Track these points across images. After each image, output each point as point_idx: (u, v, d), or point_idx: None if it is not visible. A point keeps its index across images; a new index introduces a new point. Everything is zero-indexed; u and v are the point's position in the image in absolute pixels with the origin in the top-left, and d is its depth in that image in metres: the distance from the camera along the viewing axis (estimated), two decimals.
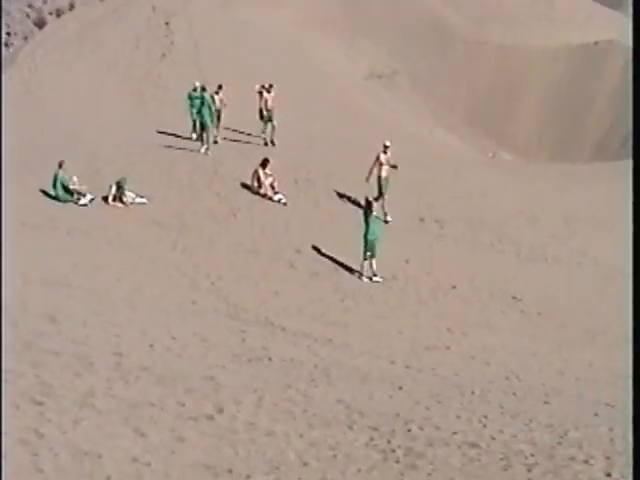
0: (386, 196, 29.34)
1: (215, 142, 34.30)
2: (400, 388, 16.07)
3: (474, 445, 12.97)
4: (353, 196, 30.41)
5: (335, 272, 25.38)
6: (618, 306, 26.06)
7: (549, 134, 58.34)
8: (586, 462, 12.75)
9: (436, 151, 45.94)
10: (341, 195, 31.00)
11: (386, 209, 29.14)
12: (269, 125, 35.30)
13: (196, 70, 46.66)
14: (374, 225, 25.30)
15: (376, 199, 27.65)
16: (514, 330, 23.47)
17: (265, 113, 35.08)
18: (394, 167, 29.19)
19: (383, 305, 23.90)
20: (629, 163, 46.54)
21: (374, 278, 25.22)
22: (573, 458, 12.87)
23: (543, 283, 27.34)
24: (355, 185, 30.13)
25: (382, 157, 29.20)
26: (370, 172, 29.07)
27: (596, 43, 61.77)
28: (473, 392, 16.54)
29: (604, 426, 15.14)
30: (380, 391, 15.75)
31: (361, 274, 25.29)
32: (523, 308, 25.13)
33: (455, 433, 13.48)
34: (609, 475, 12.29)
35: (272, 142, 35.24)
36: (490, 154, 54.54)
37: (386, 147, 29.27)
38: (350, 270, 25.48)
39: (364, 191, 27.96)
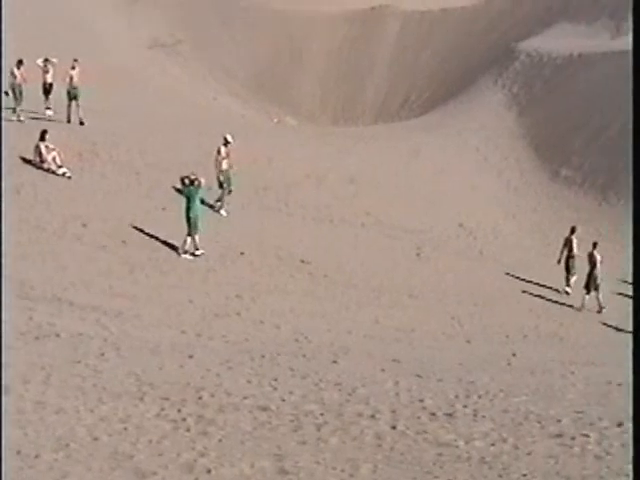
0: (232, 187, 28.98)
1: (19, 120, 32.74)
2: (191, 357, 16.08)
3: (264, 408, 13.15)
4: (143, 166, 29.97)
5: (123, 245, 25.05)
6: (401, 264, 27.03)
7: (332, 98, 59.22)
8: (373, 417, 13.16)
9: (220, 118, 45.87)
10: (130, 167, 30.54)
11: (225, 203, 28.84)
12: (73, 103, 34.03)
13: None
14: (195, 203, 25.06)
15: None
16: (303, 293, 23.87)
17: (71, 90, 33.80)
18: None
19: (173, 275, 23.79)
20: (408, 124, 48.13)
21: (196, 252, 24.99)
22: (360, 414, 13.24)
23: (330, 245, 27.90)
24: (146, 155, 29.76)
25: (222, 150, 28.92)
26: (216, 165, 28.74)
27: (373, 8, 63.01)
28: (263, 356, 16.74)
29: (390, 381, 15.68)
30: (171, 361, 15.71)
31: (185, 250, 24.97)
32: (311, 270, 25.57)
33: (246, 398, 13.62)
34: (394, 428, 12.73)
35: (81, 122, 33.96)
36: (275, 120, 54.94)
37: (227, 141, 28.99)
38: (141, 241, 25.18)
39: (152, 159, 27.64)
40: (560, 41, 49.23)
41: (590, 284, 28.16)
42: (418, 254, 26.28)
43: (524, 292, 28.23)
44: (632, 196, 20.66)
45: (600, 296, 27.73)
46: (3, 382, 12.84)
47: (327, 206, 30.70)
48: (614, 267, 28.39)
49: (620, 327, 25.69)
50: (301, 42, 62.55)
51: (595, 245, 28.35)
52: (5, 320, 15.93)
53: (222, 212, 28.62)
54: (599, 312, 27.58)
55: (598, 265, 27.95)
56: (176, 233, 25.25)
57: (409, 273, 25.52)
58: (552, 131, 42.30)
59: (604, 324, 26.56)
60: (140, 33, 61.22)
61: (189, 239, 24.96)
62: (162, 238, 25.14)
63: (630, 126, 40.08)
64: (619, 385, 16.98)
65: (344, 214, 30.49)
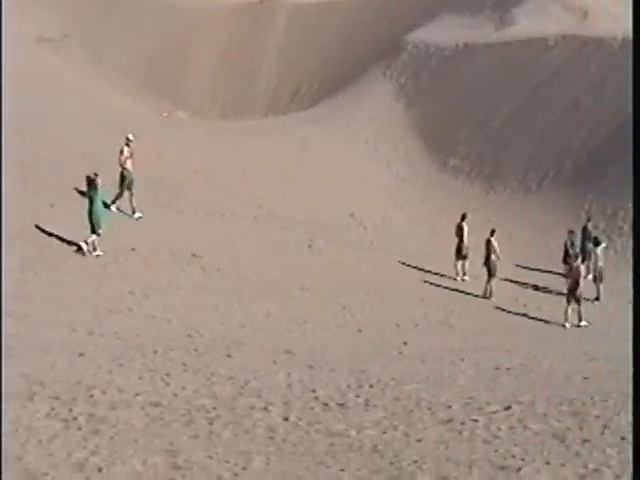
0: (134, 190, 28.35)
1: None
2: (82, 355, 15.93)
3: (157, 404, 13.12)
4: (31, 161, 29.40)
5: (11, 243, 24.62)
6: (293, 256, 27.17)
7: (222, 92, 58.93)
8: (265, 409, 13.25)
9: (110, 114, 45.34)
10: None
11: (134, 204, 28.21)
12: None
13: None
14: (96, 204, 24.71)
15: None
16: (195, 287, 23.83)
17: None
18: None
19: (64, 273, 23.48)
20: (298, 117, 48.26)
21: (94, 253, 24.65)
22: (253, 407, 13.31)
23: (222, 239, 27.88)
24: (32, 149, 29.21)
25: (125, 150, 28.43)
26: (120, 165, 28.20)
27: (262, 1, 62.98)
28: (155, 352, 16.68)
29: (282, 373, 15.81)
30: (62, 360, 15.55)
31: (92, 250, 24.59)
32: (203, 265, 25.54)
33: (138, 394, 13.56)
34: (286, 419, 12.84)
35: None
36: (165, 114, 54.49)
37: (129, 140, 28.52)
38: (30, 239, 24.71)
39: (40, 154, 27.13)
40: (446, 32, 49.86)
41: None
42: (310, 246, 26.46)
43: (414, 281, 28.62)
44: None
45: (493, 283, 28.29)
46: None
47: (218, 200, 30.65)
48: (503, 253, 28.93)
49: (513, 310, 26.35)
50: (190, 35, 62.07)
51: (493, 232, 28.88)
52: None
53: (137, 215, 28.16)
54: (487, 298, 28.10)
55: (496, 251, 28.46)
56: (66, 230, 24.93)
57: (301, 265, 25.68)
58: (439, 121, 42.89)
59: (497, 308, 27.12)
60: (27, 28, 60.04)
61: (94, 237, 24.64)
62: (51, 235, 24.76)
63: (510, 115, 41.04)
64: (508, 369, 17.41)
65: (236, 208, 30.49)
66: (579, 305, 25.92)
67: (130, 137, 28.58)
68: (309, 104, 51.78)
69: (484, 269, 28.38)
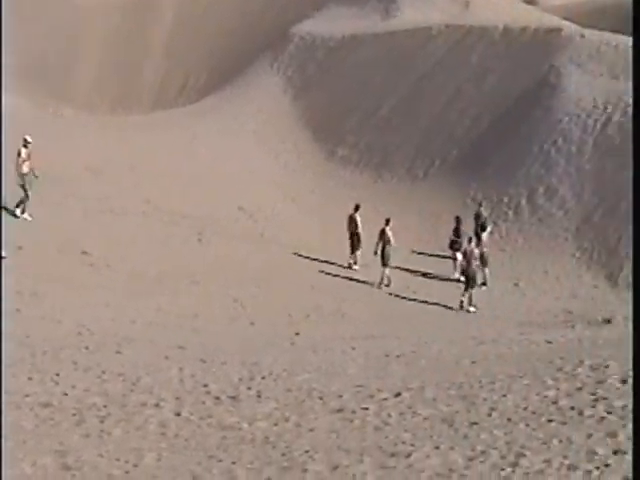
0: (29, 192, 27.58)
1: None
2: None
3: (46, 404, 13.01)
4: None
5: None
6: (183, 251, 27.09)
7: (110, 87, 58.32)
8: (157, 405, 13.25)
9: None
10: None
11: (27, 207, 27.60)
12: None
13: None
14: None
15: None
16: (85, 285, 23.58)
17: None
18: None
19: None
20: (186, 110, 48.04)
21: None
22: (144, 403, 13.30)
23: (112, 235, 27.61)
24: None
25: (23, 152, 27.69)
26: (17, 167, 27.46)
27: None
28: (45, 352, 16.48)
29: (174, 368, 15.80)
30: None
31: None
32: (93, 262, 25.30)
33: (27, 395, 13.41)
34: (178, 414, 12.86)
35: None
36: (51, 110, 53.64)
37: (27, 142, 27.75)
38: None
39: None
40: (332, 23, 50.08)
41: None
42: (199, 240, 26.42)
43: (306, 272, 28.77)
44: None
45: (387, 271, 28.63)
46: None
47: (107, 197, 30.32)
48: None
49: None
50: (76, 30, 61.23)
51: (388, 221, 29.21)
52: None
53: (25, 215, 27.55)
54: (387, 286, 28.45)
55: (391, 240, 28.80)
56: None
57: (191, 259, 25.62)
58: (327, 112, 43.09)
59: (389, 295, 27.45)
60: None
61: None
62: None
63: (397, 105, 41.53)
64: (398, 357, 17.64)
65: (125, 204, 30.21)
66: (472, 289, 26.51)
67: (28, 139, 27.79)
68: (197, 97, 51.54)
69: (376, 257, 28.66)
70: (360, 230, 29.84)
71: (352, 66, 45.50)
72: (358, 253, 29.85)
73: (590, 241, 30.25)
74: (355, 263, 29.85)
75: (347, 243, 29.95)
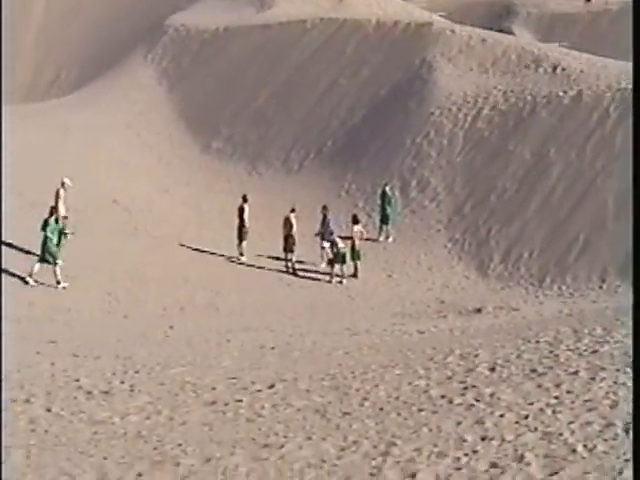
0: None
1: None
2: None
3: None
4: None
5: None
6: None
7: None
8: (27, 401, 13.06)
9: None
10: None
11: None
12: None
13: None
14: None
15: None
16: None
17: None
18: None
19: None
20: (58, 102, 47.23)
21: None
22: (15, 400, 13.08)
23: None
24: None
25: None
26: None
27: None
28: None
29: (46, 363, 15.60)
30: None
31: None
32: None
33: None
34: (49, 410, 12.70)
35: None
36: None
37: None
38: None
39: None
40: (207, 15, 49.96)
41: (287, 247, 29.36)
42: (72, 233, 25.98)
43: (180, 265, 28.63)
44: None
45: (294, 258, 29.09)
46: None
47: None
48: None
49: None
50: None
51: (293, 210, 29.86)
52: None
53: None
54: (293, 273, 29.05)
55: (294, 229, 29.17)
56: None
57: (66, 253, 25.19)
58: (202, 104, 42.93)
59: (264, 287, 27.52)
60: None
61: None
62: None
63: (272, 97, 41.55)
64: (272, 348, 17.75)
65: None
66: (344, 264, 28.27)
67: (68, 182, 28.76)
68: (70, 89, 50.68)
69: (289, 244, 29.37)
70: (247, 221, 29.88)
71: (227, 58, 45.43)
72: (244, 244, 29.83)
73: (461, 232, 30.85)
74: (242, 255, 29.78)
75: (235, 234, 29.94)
